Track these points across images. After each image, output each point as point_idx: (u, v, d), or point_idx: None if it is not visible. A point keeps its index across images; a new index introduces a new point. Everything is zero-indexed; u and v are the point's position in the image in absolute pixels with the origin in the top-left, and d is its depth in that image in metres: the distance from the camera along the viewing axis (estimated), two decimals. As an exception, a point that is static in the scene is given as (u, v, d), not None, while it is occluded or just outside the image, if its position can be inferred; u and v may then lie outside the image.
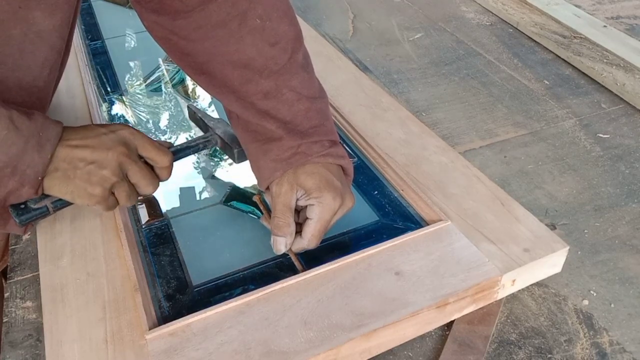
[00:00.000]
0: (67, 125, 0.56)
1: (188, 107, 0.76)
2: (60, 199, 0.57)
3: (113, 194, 0.58)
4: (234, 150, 0.68)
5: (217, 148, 0.71)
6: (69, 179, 0.55)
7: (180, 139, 0.88)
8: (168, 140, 0.67)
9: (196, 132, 0.88)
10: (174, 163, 0.63)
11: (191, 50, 0.63)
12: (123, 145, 0.57)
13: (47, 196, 0.56)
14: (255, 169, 0.65)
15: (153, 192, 0.61)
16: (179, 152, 0.65)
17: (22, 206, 0.56)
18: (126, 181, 0.58)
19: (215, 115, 0.80)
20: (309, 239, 0.60)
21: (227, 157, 0.81)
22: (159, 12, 0.62)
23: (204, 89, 0.67)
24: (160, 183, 0.62)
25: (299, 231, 0.62)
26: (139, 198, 0.63)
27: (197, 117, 0.74)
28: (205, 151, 0.83)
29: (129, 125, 0.60)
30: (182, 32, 0.62)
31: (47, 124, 0.53)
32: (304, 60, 0.65)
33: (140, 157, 0.59)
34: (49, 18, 0.54)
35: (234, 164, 0.71)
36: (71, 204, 0.58)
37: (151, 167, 0.60)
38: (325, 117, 0.65)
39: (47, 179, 0.54)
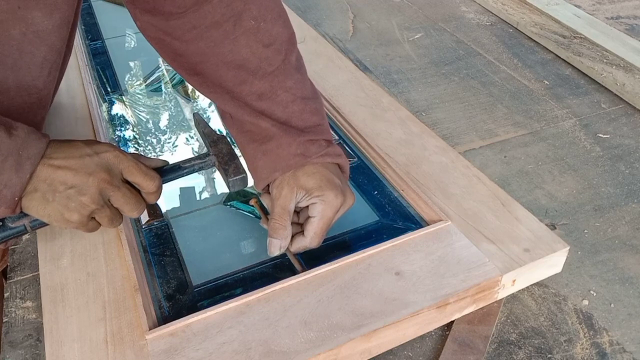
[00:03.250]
0: (54, 139, 0.54)
1: (194, 115, 0.73)
2: (38, 219, 0.55)
3: (94, 218, 0.56)
4: (229, 179, 0.63)
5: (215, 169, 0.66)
6: (47, 201, 0.52)
7: (180, 138, 0.88)
8: (164, 160, 0.63)
9: (197, 134, 0.88)
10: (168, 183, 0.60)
11: (185, 51, 0.63)
12: (105, 171, 0.54)
13: (26, 215, 0.54)
14: (253, 169, 0.64)
15: (138, 216, 0.59)
16: (170, 173, 0.61)
17: (0, 224, 0.55)
18: (107, 206, 0.56)
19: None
20: (312, 237, 0.60)
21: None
22: (153, 12, 0.62)
23: (197, 89, 0.66)
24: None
25: (300, 231, 0.62)
26: None
27: (201, 130, 0.70)
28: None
29: (115, 147, 0.57)
30: (175, 32, 0.62)
31: (29, 141, 0.50)
32: (297, 61, 0.65)
33: (126, 180, 0.57)
34: (48, 18, 0.54)
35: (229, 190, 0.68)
36: (48, 224, 0.56)
37: (138, 190, 0.58)
38: (320, 117, 0.65)
39: (25, 199, 0.52)
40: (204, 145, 0.73)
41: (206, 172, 0.80)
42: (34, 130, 0.52)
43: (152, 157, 0.62)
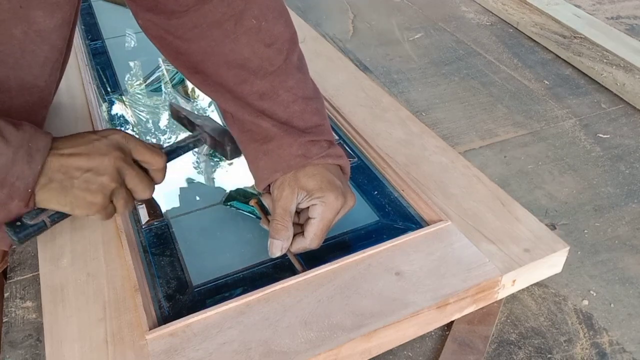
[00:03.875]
0: (57, 136, 0.54)
1: (170, 105, 0.73)
2: (56, 212, 0.55)
3: (111, 202, 0.56)
4: (226, 147, 0.66)
5: (207, 146, 0.69)
6: (66, 189, 0.53)
7: (180, 138, 0.88)
8: (159, 143, 0.65)
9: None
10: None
11: (186, 50, 0.63)
12: (118, 150, 0.55)
13: (43, 210, 0.54)
14: (254, 169, 0.64)
15: (149, 197, 0.60)
16: (171, 153, 0.64)
17: (18, 223, 0.54)
18: (124, 187, 0.56)
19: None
20: (312, 239, 0.60)
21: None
22: (154, 10, 0.62)
23: (198, 88, 0.67)
24: (161, 183, 0.61)
25: (300, 232, 0.62)
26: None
27: (181, 116, 0.71)
28: (204, 151, 0.82)
29: (120, 129, 0.58)
30: (177, 31, 0.62)
31: (37, 135, 0.51)
32: (298, 61, 0.65)
33: (135, 161, 0.58)
34: (49, 17, 0.54)
35: (227, 160, 0.69)
36: (68, 215, 0.56)
37: (146, 171, 0.59)
38: (322, 117, 0.65)
39: (42, 192, 0.52)
40: (187, 128, 0.74)
41: (206, 172, 0.80)
42: (37, 127, 0.53)
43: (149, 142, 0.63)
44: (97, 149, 0.54)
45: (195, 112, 0.70)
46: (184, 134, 0.89)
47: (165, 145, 0.64)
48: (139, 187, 0.57)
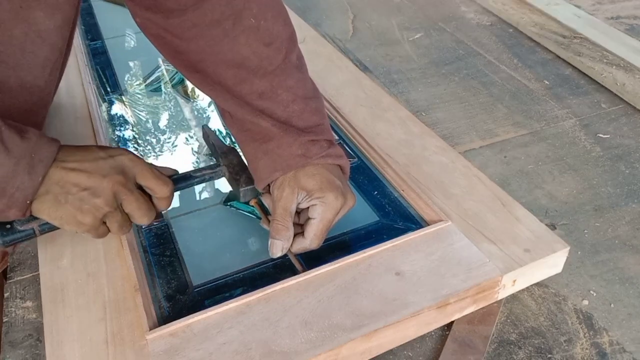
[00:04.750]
0: (65, 144, 0.53)
1: (202, 128, 0.72)
2: (47, 223, 0.54)
3: (104, 223, 0.55)
4: (241, 188, 0.64)
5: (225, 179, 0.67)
6: (60, 204, 0.52)
7: (180, 138, 0.88)
8: (174, 169, 0.62)
9: (197, 134, 0.88)
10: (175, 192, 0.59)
11: (185, 49, 0.63)
12: (120, 174, 0.54)
13: (35, 218, 0.53)
14: (253, 168, 0.64)
15: (148, 223, 0.58)
16: (182, 182, 0.61)
17: (8, 226, 0.54)
18: (119, 211, 0.55)
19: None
20: (312, 239, 0.60)
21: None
22: (153, 9, 0.62)
23: (197, 87, 0.66)
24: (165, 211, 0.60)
25: (300, 232, 0.62)
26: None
27: (210, 142, 0.70)
28: (204, 151, 0.82)
29: (129, 151, 0.57)
30: (175, 30, 0.62)
31: (41, 144, 0.50)
32: (297, 60, 0.65)
33: (139, 185, 0.56)
34: (49, 18, 0.54)
35: (240, 200, 0.67)
36: (58, 228, 0.55)
37: (149, 196, 0.57)
38: (321, 117, 0.65)
39: (37, 202, 0.51)
40: (212, 155, 0.72)
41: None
42: (44, 134, 0.52)
43: (161, 166, 0.61)
44: (99, 168, 0.53)
45: (224, 142, 0.68)
46: (183, 134, 0.89)
47: (183, 172, 0.62)
48: (137, 213, 0.56)
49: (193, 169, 0.63)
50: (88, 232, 0.54)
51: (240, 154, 0.66)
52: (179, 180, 0.61)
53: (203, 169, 0.64)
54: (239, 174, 0.64)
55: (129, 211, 0.55)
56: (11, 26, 0.51)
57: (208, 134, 0.70)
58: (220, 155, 0.66)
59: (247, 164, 0.65)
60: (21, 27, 0.52)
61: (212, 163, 0.65)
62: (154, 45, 0.66)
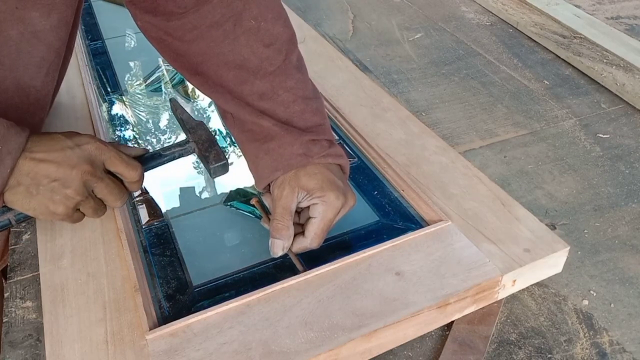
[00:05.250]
0: (34, 133, 0.53)
1: (171, 101, 0.71)
2: (22, 212, 0.55)
3: (78, 209, 0.57)
4: (210, 166, 0.64)
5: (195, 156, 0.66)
6: (32, 195, 0.52)
7: (180, 138, 0.88)
8: (146, 148, 0.63)
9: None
10: (151, 171, 0.60)
11: (185, 51, 0.63)
12: (88, 163, 0.55)
13: (10, 209, 0.54)
14: (254, 168, 0.64)
15: (122, 206, 0.60)
16: (151, 161, 0.62)
17: None
18: (92, 198, 0.56)
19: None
20: (312, 238, 0.60)
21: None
22: (153, 12, 0.62)
23: (198, 89, 0.66)
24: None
25: (300, 232, 0.62)
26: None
27: (178, 116, 0.70)
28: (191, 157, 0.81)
29: (96, 138, 0.57)
30: (176, 32, 0.62)
31: (9, 136, 0.50)
32: (298, 61, 0.65)
33: (108, 171, 0.57)
34: (45, 18, 0.54)
35: (210, 177, 0.67)
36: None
37: (120, 181, 0.59)
38: (322, 117, 0.65)
39: (9, 193, 0.52)
40: (182, 130, 0.72)
41: (206, 172, 0.80)
42: (14, 124, 0.52)
43: (131, 146, 0.62)
44: (67, 158, 0.54)
45: (193, 117, 0.68)
46: (183, 135, 0.89)
47: (154, 149, 0.63)
48: (109, 197, 0.57)
49: (163, 147, 0.64)
50: (62, 220, 0.56)
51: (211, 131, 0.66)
52: (149, 160, 0.61)
53: (172, 146, 0.64)
54: (208, 150, 0.64)
55: (101, 197, 0.57)
56: (7, 27, 0.52)
57: (176, 108, 0.69)
58: (189, 130, 0.65)
59: (247, 163, 0.65)
60: (17, 28, 0.52)
61: (181, 140, 0.65)
62: (155, 48, 0.66)
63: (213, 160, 0.63)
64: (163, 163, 0.63)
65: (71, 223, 0.58)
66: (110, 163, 0.57)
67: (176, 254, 0.66)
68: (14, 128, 0.51)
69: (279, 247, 0.60)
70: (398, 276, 0.60)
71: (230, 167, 0.81)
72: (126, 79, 1.02)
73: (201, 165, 0.82)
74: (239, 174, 0.79)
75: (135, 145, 0.85)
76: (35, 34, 0.54)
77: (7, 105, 0.56)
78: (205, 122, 0.69)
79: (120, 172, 0.58)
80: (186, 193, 0.76)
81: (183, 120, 0.67)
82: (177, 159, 0.64)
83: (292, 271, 0.62)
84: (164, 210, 0.73)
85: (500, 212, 0.68)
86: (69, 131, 0.57)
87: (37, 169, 0.52)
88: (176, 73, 1.03)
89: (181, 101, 0.96)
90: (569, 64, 1.11)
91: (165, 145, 0.64)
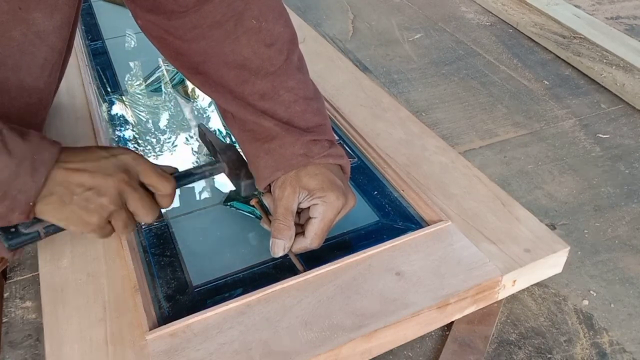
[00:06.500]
0: (67, 146, 0.53)
1: (199, 127, 0.72)
2: (53, 224, 0.53)
3: (109, 222, 0.55)
4: (241, 182, 0.65)
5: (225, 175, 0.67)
6: (65, 204, 0.51)
7: (180, 138, 0.88)
8: (174, 167, 0.62)
9: (197, 134, 0.88)
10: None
11: (186, 50, 0.63)
12: (124, 172, 0.54)
13: (40, 220, 0.53)
14: (255, 168, 0.64)
15: (152, 221, 0.58)
16: (183, 179, 0.61)
17: (12, 230, 0.53)
18: (124, 209, 0.55)
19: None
20: (312, 238, 0.60)
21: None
22: (154, 11, 0.62)
23: (198, 88, 0.66)
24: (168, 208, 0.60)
25: (301, 232, 0.62)
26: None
27: (207, 140, 0.70)
28: (204, 151, 0.82)
29: (131, 150, 0.57)
30: (177, 32, 0.62)
31: (43, 145, 0.50)
32: (299, 62, 0.65)
33: (141, 184, 0.56)
34: (48, 19, 0.54)
35: (241, 195, 0.68)
36: (64, 230, 0.54)
37: (152, 194, 0.57)
38: (323, 117, 0.65)
39: (41, 204, 0.50)
40: (210, 154, 0.73)
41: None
42: (45, 136, 0.51)
43: (162, 164, 0.61)
44: (103, 168, 0.53)
45: (221, 140, 0.68)
46: (183, 134, 0.89)
47: (183, 169, 0.62)
48: (141, 211, 0.55)
49: (194, 166, 0.64)
50: (93, 232, 0.54)
51: (240, 151, 0.67)
52: (180, 178, 0.61)
53: (203, 165, 0.64)
54: (239, 168, 0.65)
55: (133, 209, 0.55)
56: (10, 27, 0.51)
57: (205, 133, 0.70)
58: (219, 152, 0.66)
59: (248, 163, 0.65)
60: (20, 29, 0.52)
61: (211, 160, 0.65)
62: (156, 47, 0.66)
63: (244, 177, 0.64)
64: (194, 181, 0.63)
65: (100, 237, 0.55)
66: (145, 174, 0.56)
67: (176, 254, 0.66)
68: (47, 140, 0.51)
69: (280, 247, 0.60)
70: (398, 276, 0.60)
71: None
72: (126, 79, 1.02)
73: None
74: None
75: (135, 146, 0.86)
76: (38, 35, 0.54)
77: (10, 106, 0.55)
78: (205, 121, 0.70)
79: (153, 185, 0.56)
80: (186, 193, 0.76)
81: (212, 143, 0.68)
82: (207, 177, 0.65)
83: (292, 271, 0.62)
84: (164, 210, 0.73)
85: (500, 212, 0.68)
86: (103, 145, 0.56)
87: (71, 178, 0.51)
88: (176, 73, 1.03)
89: (182, 103, 0.96)
90: (568, 64, 1.12)
91: (197, 165, 0.64)
